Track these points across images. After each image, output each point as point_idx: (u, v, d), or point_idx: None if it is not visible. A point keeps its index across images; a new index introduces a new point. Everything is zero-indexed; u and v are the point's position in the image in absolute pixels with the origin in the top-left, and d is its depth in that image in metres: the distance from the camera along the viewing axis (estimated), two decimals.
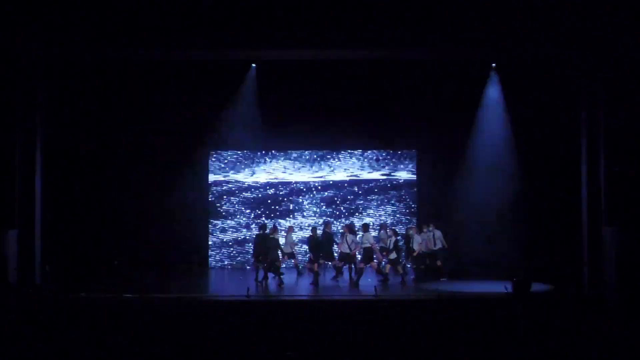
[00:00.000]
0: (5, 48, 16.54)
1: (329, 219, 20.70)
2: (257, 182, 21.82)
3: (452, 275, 18.95)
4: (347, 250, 17.97)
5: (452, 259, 19.46)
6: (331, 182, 21.81)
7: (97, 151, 20.34)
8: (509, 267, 18.01)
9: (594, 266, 17.21)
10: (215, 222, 21.70)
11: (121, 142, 20.49)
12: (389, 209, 21.74)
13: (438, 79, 19.94)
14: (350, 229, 18.41)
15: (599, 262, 17.13)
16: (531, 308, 14.11)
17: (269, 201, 21.80)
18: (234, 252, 21.57)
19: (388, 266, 18.71)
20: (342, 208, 21.77)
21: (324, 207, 21.75)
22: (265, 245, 18.08)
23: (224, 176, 21.80)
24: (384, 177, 21.77)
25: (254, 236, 19.44)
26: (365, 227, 18.38)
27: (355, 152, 21.77)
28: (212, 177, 21.75)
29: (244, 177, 21.81)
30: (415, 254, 18.87)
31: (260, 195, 21.82)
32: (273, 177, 21.83)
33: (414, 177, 21.72)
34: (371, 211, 21.74)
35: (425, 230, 19.32)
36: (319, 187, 21.83)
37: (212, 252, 21.62)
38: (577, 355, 10.82)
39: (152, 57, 18.49)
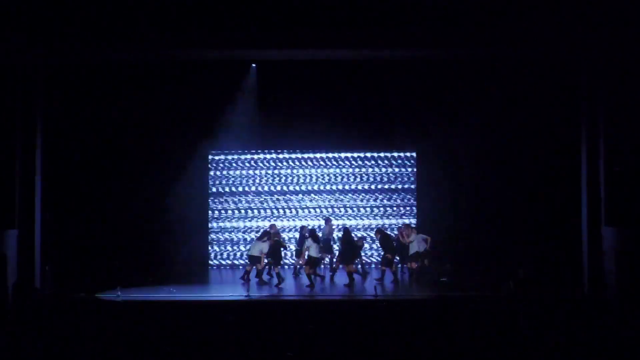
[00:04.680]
0: (6, 48, 16.51)
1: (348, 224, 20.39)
2: (256, 182, 21.79)
3: (451, 276, 18.92)
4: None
5: (450, 260, 19.44)
6: (330, 182, 21.79)
7: (97, 151, 20.32)
8: (508, 267, 17.97)
9: (594, 266, 17.20)
10: (215, 222, 21.67)
11: (121, 142, 20.46)
12: (388, 210, 21.73)
13: (438, 79, 19.95)
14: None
15: (599, 262, 17.12)
16: (531, 308, 14.12)
17: (268, 201, 21.78)
18: (234, 252, 21.54)
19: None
20: (340, 209, 21.75)
21: (323, 207, 21.74)
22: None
23: (224, 176, 21.77)
24: (384, 177, 21.76)
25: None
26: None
27: (355, 152, 21.74)
28: (212, 177, 21.72)
29: (244, 176, 21.78)
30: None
31: (259, 195, 21.80)
32: (272, 177, 21.80)
33: (413, 177, 21.71)
34: (370, 212, 21.75)
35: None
36: (319, 188, 21.82)
37: (212, 252, 21.60)
38: (578, 355, 10.83)
39: (151, 57, 18.45)
